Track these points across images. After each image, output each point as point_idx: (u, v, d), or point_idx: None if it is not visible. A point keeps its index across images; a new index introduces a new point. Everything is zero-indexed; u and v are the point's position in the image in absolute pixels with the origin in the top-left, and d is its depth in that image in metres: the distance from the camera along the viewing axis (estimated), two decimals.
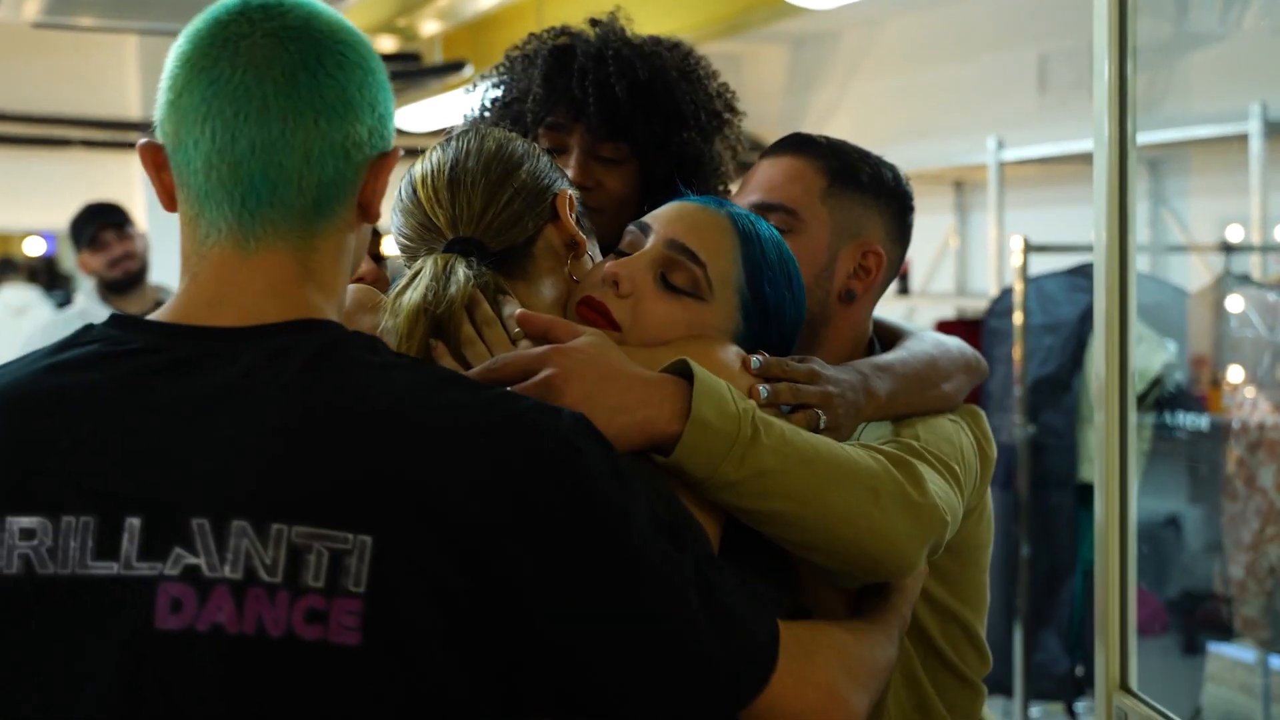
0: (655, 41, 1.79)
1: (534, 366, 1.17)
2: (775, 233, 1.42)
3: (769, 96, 7.79)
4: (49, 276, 7.65)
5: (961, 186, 6.48)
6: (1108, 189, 1.76)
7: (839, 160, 1.66)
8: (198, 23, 1.10)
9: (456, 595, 0.99)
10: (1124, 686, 1.75)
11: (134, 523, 1.00)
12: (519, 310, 1.24)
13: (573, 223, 1.35)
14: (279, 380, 1.04)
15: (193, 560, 0.99)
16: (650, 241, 1.35)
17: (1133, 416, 1.79)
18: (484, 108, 1.86)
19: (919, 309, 6.54)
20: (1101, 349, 1.77)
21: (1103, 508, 1.76)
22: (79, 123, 7.33)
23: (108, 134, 7.40)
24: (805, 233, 1.59)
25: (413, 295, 1.24)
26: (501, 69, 1.86)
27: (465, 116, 1.89)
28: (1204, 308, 3.90)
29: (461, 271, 1.25)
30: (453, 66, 5.29)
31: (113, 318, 1.15)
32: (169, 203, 1.13)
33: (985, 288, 5.73)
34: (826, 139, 1.71)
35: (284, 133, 1.07)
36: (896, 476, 1.30)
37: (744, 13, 4.98)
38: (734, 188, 1.76)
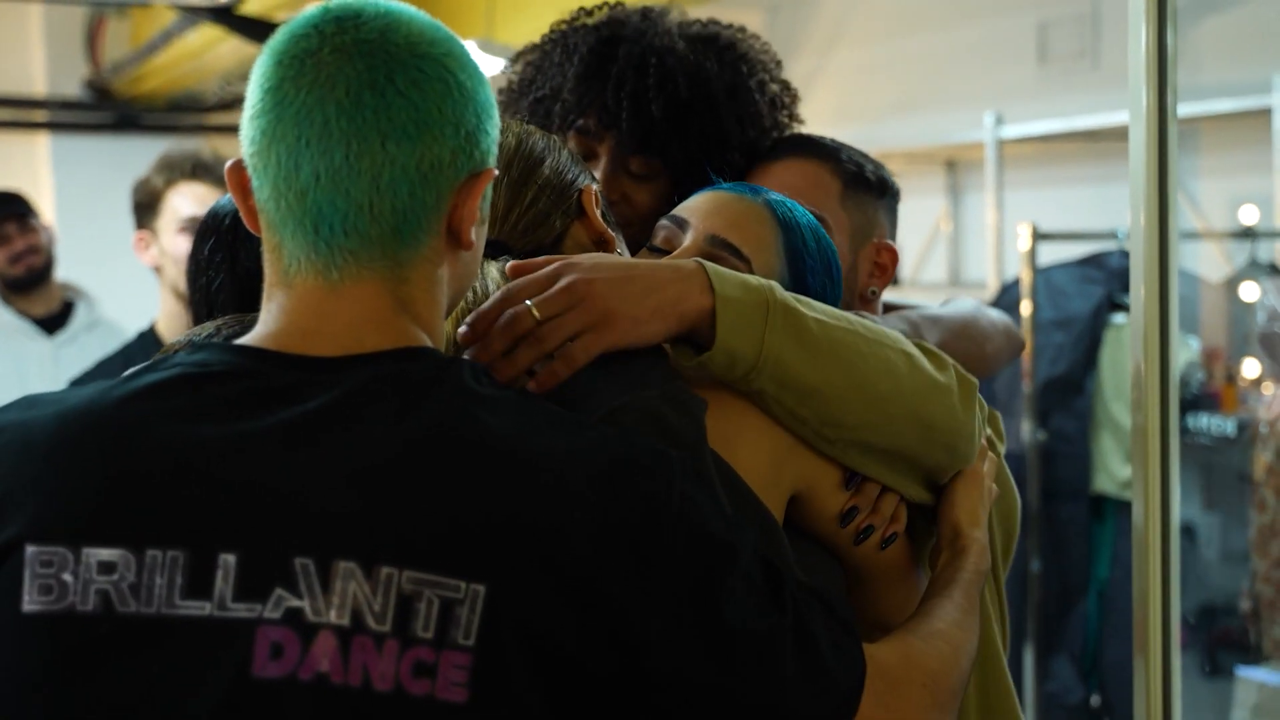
0: (708, 44, 1.75)
1: (539, 288, 1.17)
2: (812, 218, 1.43)
3: None
4: None
5: (954, 166, 6.46)
6: (1146, 167, 1.71)
7: (850, 163, 1.74)
8: (279, 34, 1.10)
9: (568, 651, 1.00)
10: None
11: (229, 559, 0.99)
12: (510, 264, 1.24)
13: (599, 218, 1.35)
14: (383, 410, 1.04)
15: (296, 603, 0.98)
16: (689, 238, 1.36)
17: (1174, 422, 1.74)
18: (515, 92, 1.82)
19: (909, 299, 6.50)
20: (1141, 347, 1.71)
21: (1142, 525, 1.70)
22: None
23: (9, 112, 7.32)
24: (830, 237, 1.62)
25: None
26: (538, 54, 1.82)
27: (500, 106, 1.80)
28: (1222, 299, 3.88)
29: (496, 272, 1.26)
30: None
31: (194, 343, 1.15)
32: (255, 226, 1.13)
33: (982, 277, 5.71)
34: (831, 140, 1.78)
35: (348, 158, 1.06)
36: (921, 355, 1.33)
37: None
38: None
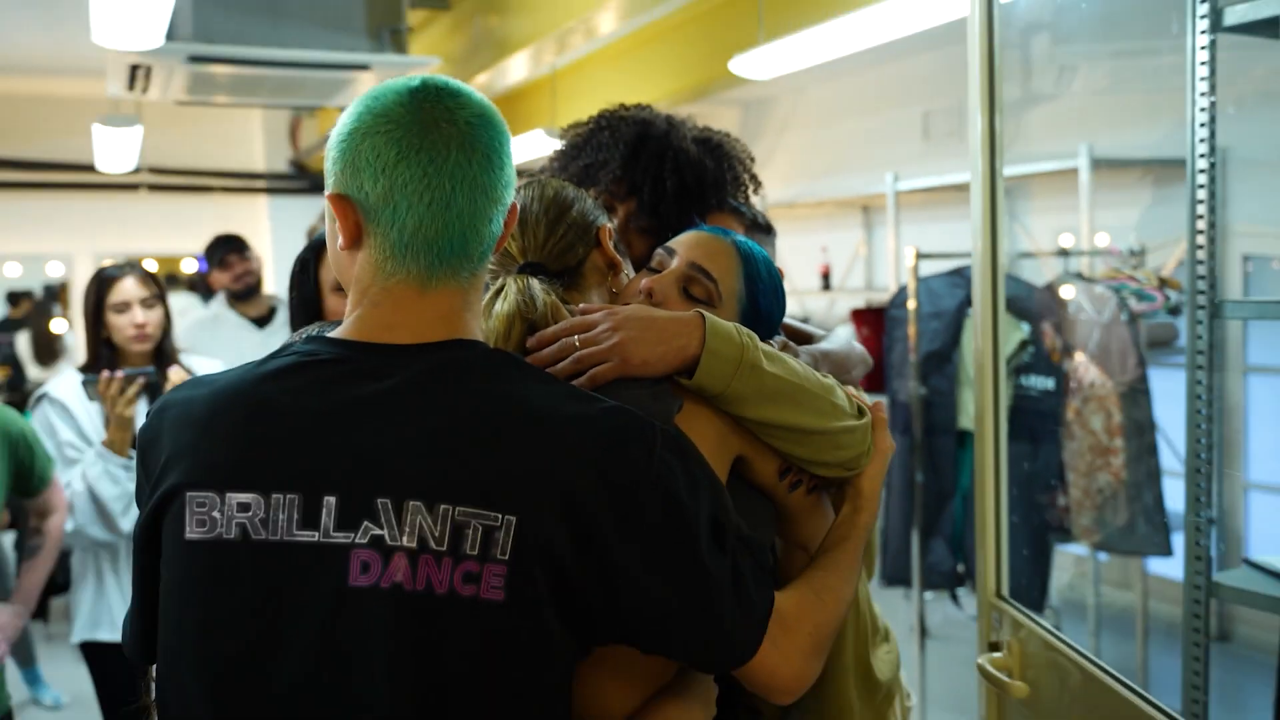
0: (709, 146, 1.71)
1: (591, 325, 1.15)
2: (765, 254, 1.40)
3: None
4: (202, 288, 7.60)
5: (868, 210, 6.43)
6: (983, 210, 1.70)
7: (748, 214, 1.74)
8: (392, 106, 1.02)
9: (570, 574, 0.95)
10: (999, 594, 1.70)
11: (331, 500, 0.96)
12: (581, 304, 1.22)
13: (612, 248, 1.33)
14: (443, 386, 0.99)
15: (378, 531, 0.94)
16: (675, 262, 1.33)
17: (1003, 380, 1.73)
18: (568, 155, 1.75)
19: (838, 300, 6.50)
20: (980, 329, 1.71)
21: (982, 459, 1.70)
22: (217, 174, 7.26)
23: (239, 182, 7.34)
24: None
25: (504, 306, 1.20)
26: (586, 131, 1.75)
27: (552, 165, 1.78)
28: (1047, 297, 3.84)
29: (538, 286, 1.22)
30: None
31: (308, 337, 1.10)
32: (351, 242, 1.04)
33: (886, 284, 5.69)
34: (738, 203, 1.74)
35: (485, 203, 1.03)
36: (842, 398, 1.29)
37: (704, 83, 4.94)
38: None
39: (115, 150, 5.21)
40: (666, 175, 1.67)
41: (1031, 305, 3.78)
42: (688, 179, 1.68)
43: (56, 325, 7.33)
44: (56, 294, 8.74)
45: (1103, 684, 1.41)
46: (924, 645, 3.88)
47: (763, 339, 1.35)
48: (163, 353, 2.77)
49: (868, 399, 1.33)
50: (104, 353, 2.72)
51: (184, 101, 4.26)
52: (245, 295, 4.05)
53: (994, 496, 1.72)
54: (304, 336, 1.09)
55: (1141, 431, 3.54)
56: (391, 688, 0.93)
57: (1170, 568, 4.06)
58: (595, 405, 1.01)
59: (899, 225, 5.47)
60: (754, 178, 1.79)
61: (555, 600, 0.95)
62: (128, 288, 2.72)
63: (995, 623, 1.70)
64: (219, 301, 4.12)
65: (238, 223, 6.56)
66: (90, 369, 2.69)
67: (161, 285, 2.81)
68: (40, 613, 4.76)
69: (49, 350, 7.15)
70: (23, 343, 7.30)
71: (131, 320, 2.70)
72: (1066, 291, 3.74)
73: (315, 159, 7.27)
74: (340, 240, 1.05)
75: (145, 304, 2.74)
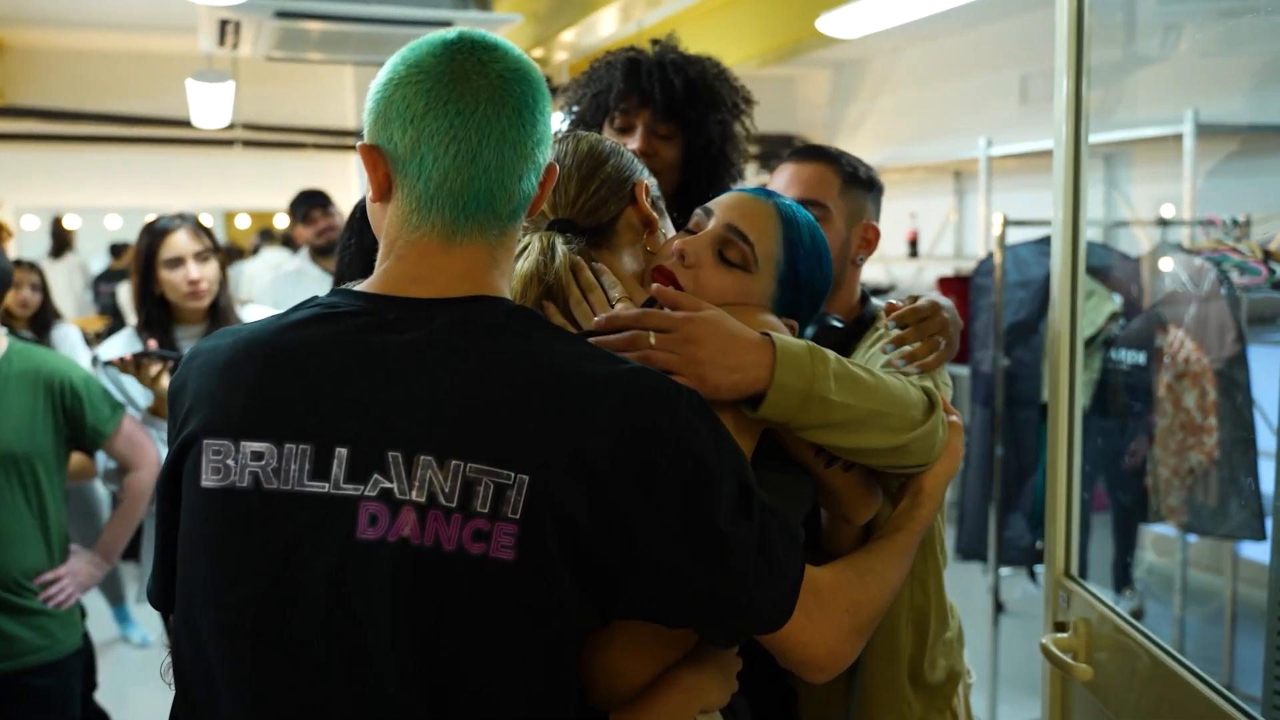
0: (696, 56, 1.85)
1: (668, 326, 1.09)
2: (811, 219, 1.33)
3: (816, 108, 7.60)
4: (294, 243, 7.78)
5: (959, 175, 6.28)
6: (1065, 178, 1.64)
7: (847, 164, 1.67)
8: (425, 56, 1.00)
9: (585, 534, 0.92)
10: (1068, 573, 1.65)
11: (342, 452, 0.94)
12: (655, 286, 1.16)
13: (647, 205, 1.26)
14: (461, 342, 0.97)
15: (387, 484, 0.92)
16: (711, 224, 1.27)
17: (1079, 353, 1.68)
18: (578, 96, 1.87)
19: (926, 268, 6.39)
20: (1059, 301, 1.65)
21: (1055, 434, 1.65)
22: (310, 130, 7.38)
23: (331, 139, 7.45)
24: (831, 220, 1.62)
25: (524, 265, 1.16)
26: (586, 74, 1.89)
27: (564, 105, 1.91)
28: (1144, 269, 3.71)
29: (560, 246, 1.18)
30: None
31: (333, 290, 1.07)
32: (381, 194, 1.03)
33: (976, 251, 5.57)
34: (834, 149, 1.71)
35: (514, 159, 1.00)
36: (919, 413, 1.24)
37: (796, 43, 4.84)
38: (752, 171, 1.77)
39: (209, 106, 5.32)
40: (671, 76, 1.77)
41: (1125, 276, 3.66)
42: (691, 74, 1.78)
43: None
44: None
45: (1171, 670, 1.37)
46: (998, 621, 3.82)
47: (805, 308, 1.31)
48: (218, 309, 2.65)
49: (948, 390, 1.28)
50: (155, 312, 2.60)
51: (275, 58, 4.33)
52: (327, 250, 4.11)
53: (1066, 472, 1.67)
54: (333, 290, 1.09)
55: (1238, 410, 3.41)
56: (396, 641, 0.91)
57: (1263, 552, 3.92)
58: (618, 365, 0.98)
59: (991, 192, 5.33)
60: (746, 99, 1.88)
61: (569, 562, 0.93)
62: (180, 241, 2.59)
63: (1063, 602, 1.66)
64: (303, 256, 4.20)
65: (329, 179, 6.67)
66: (144, 329, 2.61)
67: (215, 239, 2.68)
68: (132, 553, 4.94)
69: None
70: (124, 293, 7.54)
71: (185, 276, 2.57)
72: (1164, 263, 3.61)
73: None
74: (371, 192, 1.04)
75: (199, 258, 2.60)
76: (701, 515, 0.96)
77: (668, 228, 1.33)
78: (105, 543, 2.52)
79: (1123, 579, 3.57)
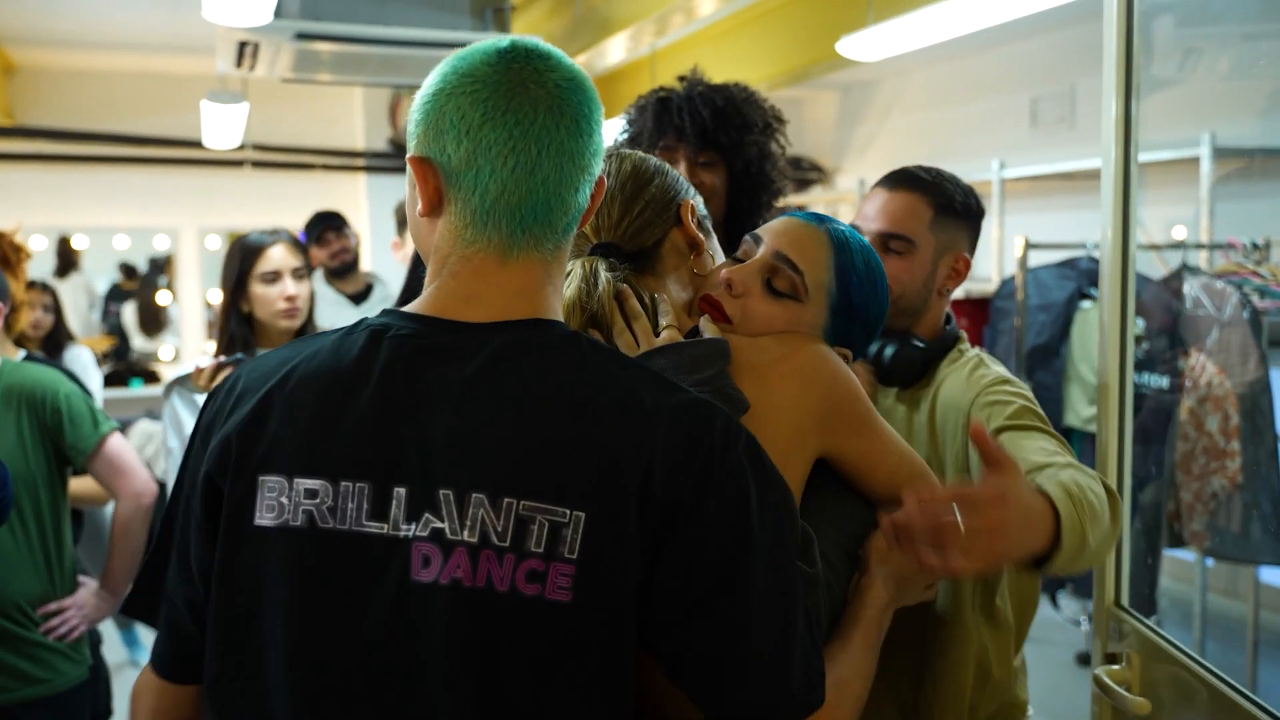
0: (722, 84, 1.91)
1: (980, 504, 0.97)
2: (866, 244, 1.27)
3: (824, 130, 7.60)
4: (310, 265, 7.79)
5: None
6: (1114, 199, 1.61)
7: (941, 194, 1.61)
8: (479, 66, 0.96)
9: (638, 564, 0.89)
10: (1119, 604, 1.61)
11: (400, 491, 0.90)
12: (977, 428, 1.00)
13: (693, 226, 1.22)
14: (515, 371, 0.93)
15: (439, 524, 0.89)
16: (760, 251, 1.23)
17: (1129, 380, 1.64)
18: (617, 144, 1.91)
19: None
20: (1108, 326, 1.62)
21: (1106, 462, 1.61)
22: (319, 151, 7.37)
23: (339, 160, 7.44)
24: (916, 254, 1.59)
25: (567, 292, 1.13)
26: (625, 117, 1.96)
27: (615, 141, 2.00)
28: (1162, 291, 3.69)
29: (604, 273, 1.14)
30: None
31: (384, 310, 1.02)
32: (432, 208, 0.99)
33: (988, 273, 5.54)
34: (930, 173, 1.64)
35: (572, 171, 0.96)
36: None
37: (805, 66, 4.84)
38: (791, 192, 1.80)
39: (222, 127, 5.31)
40: (700, 107, 1.82)
41: (1146, 300, 3.63)
42: (719, 102, 1.84)
43: (162, 297, 7.53)
44: (163, 266, 8.99)
45: (1236, 704, 1.32)
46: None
47: (859, 335, 1.26)
48: (305, 334, 2.37)
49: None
50: (239, 332, 2.41)
51: (289, 79, 4.31)
52: (341, 272, 4.09)
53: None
54: (384, 311, 1.04)
55: (1261, 434, 3.37)
56: (453, 685, 0.88)
57: None
58: (675, 396, 0.94)
59: (1003, 214, 5.31)
60: (777, 117, 1.94)
61: (627, 602, 0.89)
62: (278, 256, 2.43)
63: (1113, 633, 1.62)
64: (316, 278, 4.17)
65: (337, 200, 6.65)
66: (225, 352, 2.42)
67: (309, 259, 2.54)
68: None
69: (154, 321, 7.35)
70: (129, 313, 7.52)
71: (282, 292, 2.40)
72: (1186, 286, 3.58)
73: None
74: (420, 206, 0.99)
75: (296, 275, 2.44)
76: (739, 567, 0.90)
77: (715, 249, 1.29)
78: (109, 576, 2.38)
79: (1147, 605, 3.52)
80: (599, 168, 1.01)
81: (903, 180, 1.62)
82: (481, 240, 0.96)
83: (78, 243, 7.95)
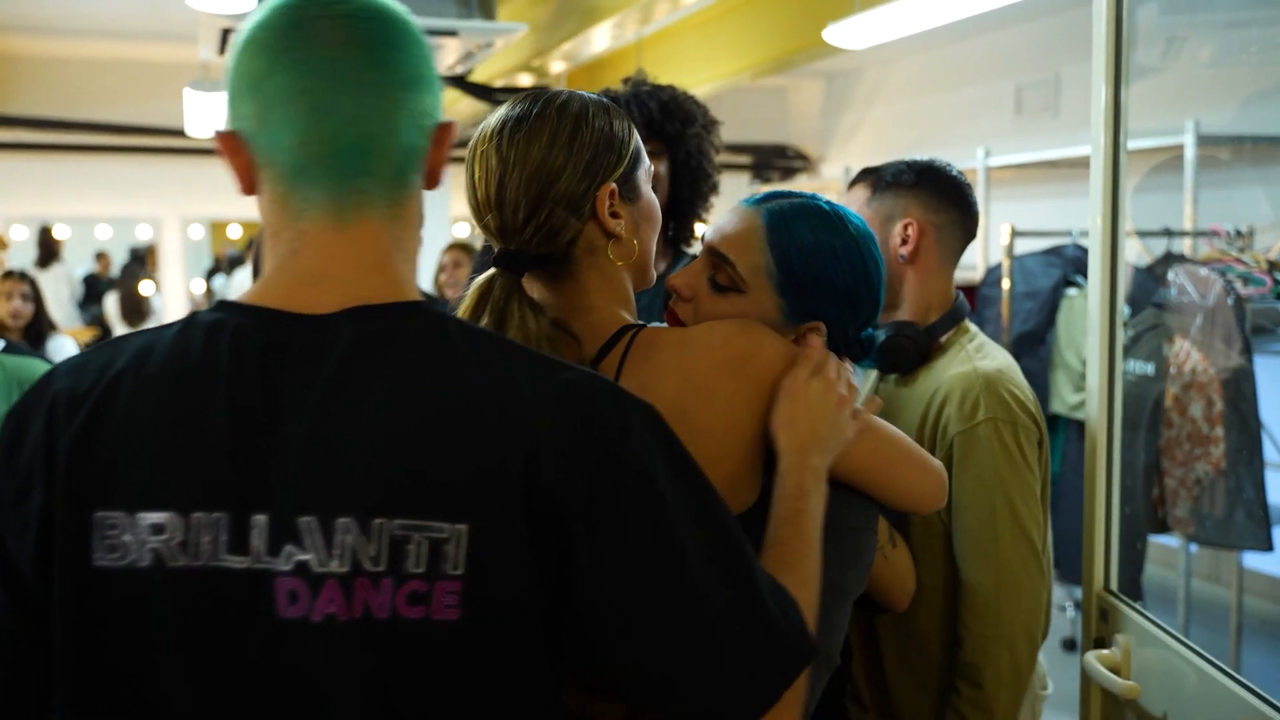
0: (665, 85, 2.02)
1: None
2: (825, 212, 1.20)
3: (808, 118, 7.59)
4: None
5: None
6: (1104, 186, 1.61)
7: (874, 175, 1.69)
8: (264, 14, 0.86)
9: (538, 567, 0.80)
10: (1108, 589, 1.62)
11: (260, 519, 0.80)
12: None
13: (608, 218, 1.10)
14: (378, 370, 0.82)
15: (303, 556, 0.79)
16: (701, 253, 1.22)
17: (1119, 367, 1.64)
18: None
19: None
20: (1098, 314, 1.62)
21: (1094, 448, 1.62)
22: None
23: None
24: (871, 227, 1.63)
25: (460, 313, 1.09)
26: None
27: None
28: (1145, 279, 3.70)
29: (497, 291, 1.07)
30: None
31: (220, 302, 0.88)
32: (247, 185, 0.88)
33: (973, 261, 5.54)
34: (885, 164, 1.72)
35: (374, 104, 0.85)
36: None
37: (791, 53, 4.83)
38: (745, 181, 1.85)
39: (205, 115, 5.26)
40: (646, 101, 1.94)
41: (1131, 287, 3.64)
42: (663, 97, 1.96)
43: (145, 287, 7.47)
44: (144, 256, 8.92)
45: (1225, 688, 1.33)
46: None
47: (830, 306, 1.19)
48: None
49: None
50: None
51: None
52: None
53: (1105, 486, 1.64)
54: (220, 303, 0.90)
55: (1244, 420, 3.39)
56: None
57: (1267, 563, 3.91)
58: (558, 375, 0.84)
59: (988, 202, 5.32)
60: (712, 119, 2.04)
61: (532, 612, 0.80)
62: None
63: (1102, 618, 1.62)
64: None
65: None
66: None
67: None
68: None
69: (137, 311, 7.30)
70: (111, 303, 7.46)
71: None
72: (1170, 274, 3.60)
73: None
74: (240, 186, 0.89)
75: None
76: (648, 551, 0.81)
77: (646, 231, 1.17)
78: None
79: (1133, 590, 3.54)
80: (430, 105, 0.89)
81: (856, 177, 1.74)
82: (308, 207, 0.85)
83: (59, 232, 7.89)
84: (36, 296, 4.01)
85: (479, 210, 1.12)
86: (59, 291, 7.67)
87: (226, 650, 0.80)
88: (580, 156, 1.08)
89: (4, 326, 3.88)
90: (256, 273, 2.26)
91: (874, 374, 1.73)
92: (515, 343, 0.91)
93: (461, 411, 0.81)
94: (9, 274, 3.95)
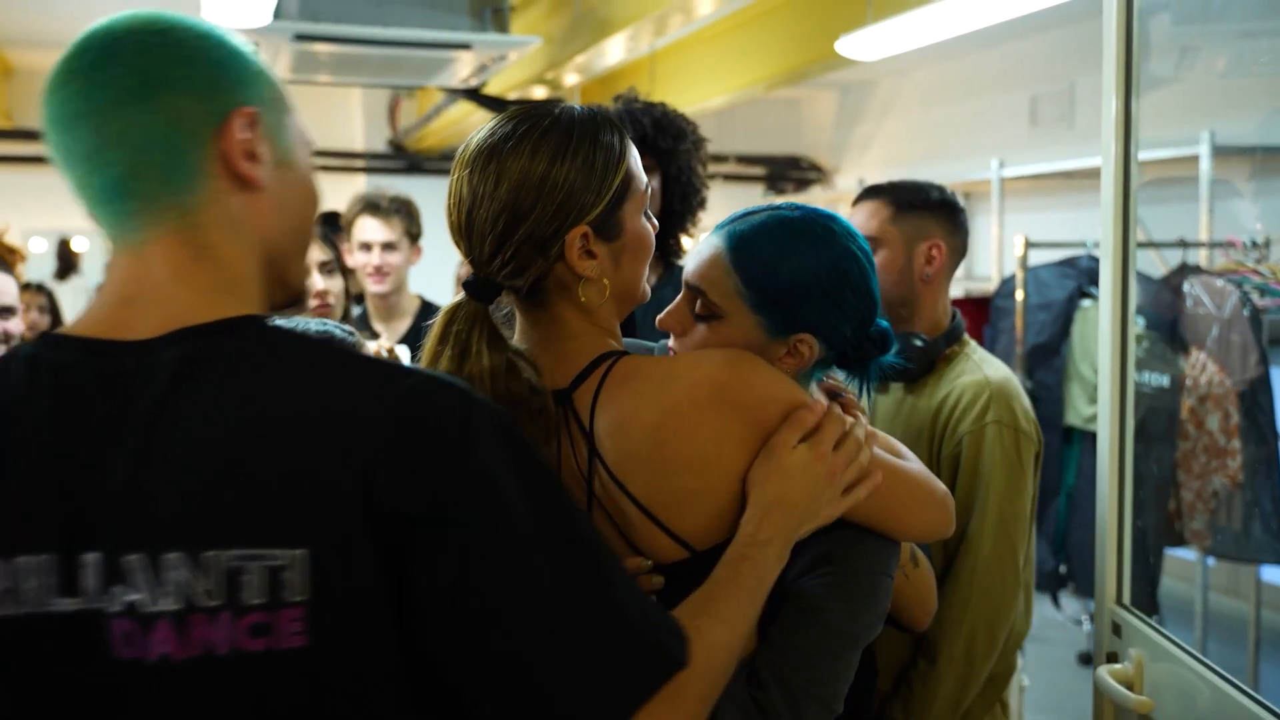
0: (656, 103, 2.10)
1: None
2: (783, 220, 1.16)
3: (823, 130, 7.59)
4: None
5: (970, 197, 6.26)
6: (1114, 197, 1.60)
7: (897, 193, 1.81)
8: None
9: (379, 586, 0.77)
10: (1120, 602, 1.61)
11: (89, 558, 0.77)
12: None
13: (578, 261, 1.06)
14: (202, 394, 0.79)
15: (132, 596, 0.76)
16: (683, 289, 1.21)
17: (1130, 379, 1.63)
18: None
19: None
20: (1109, 325, 1.61)
21: (1106, 460, 1.61)
22: (319, 153, 7.34)
23: (338, 160, 7.44)
24: (885, 248, 1.78)
25: (428, 341, 1.08)
26: None
27: None
28: (1162, 290, 3.68)
29: (457, 325, 1.06)
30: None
31: (43, 335, 0.87)
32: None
33: (988, 273, 5.54)
34: (892, 183, 1.86)
35: (98, 132, 0.82)
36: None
37: (804, 65, 4.83)
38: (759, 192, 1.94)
39: None
40: (640, 117, 2.00)
41: (1146, 298, 3.62)
42: (655, 114, 2.03)
43: None
44: None
45: (1240, 705, 1.32)
46: (1022, 646, 3.76)
47: (815, 315, 1.14)
48: None
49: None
50: None
51: (288, 80, 4.31)
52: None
53: (1117, 499, 1.63)
54: (41, 336, 0.89)
55: (1261, 433, 3.37)
56: None
57: None
58: (396, 385, 0.80)
59: (1002, 213, 5.31)
60: (700, 137, 2.11)
61: (380, 631, 0.77)
62: None
63: (1115, 632, 1.61)
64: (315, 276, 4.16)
65: (337, 200, 6.62)
66: None
67: (341, 253, 2.32)
68: None
69: None
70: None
71: (310, 288, 2.22)
72: (1186, 285, 3.58)
73: (413, 139, 7.34)
74: None
75: (324, 269, 2.25)
76: (492, 557, 0.78)
77: (630, 271, 1.14)
78: None
79: (1149, 604, 3.52)
80: (187, 104, 0.84)
81: (864, 194, 1.86)
82: (112, 239, 0.85)
83: (78, 245, 7.94)
84: (54, 308, 4.04)
85: (452, 233, 1.10)
86: (77, 303, 7.72)
87: (64, 696, 0.77)
88: (551, 199, 1.04)
89: (22, 339, 3.92)
90: None
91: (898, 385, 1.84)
92: (354, 352, 0.86)
93: (291, 430, 0.78)
94: (26, 286, 3.98)
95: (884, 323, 1.19)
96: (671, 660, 0.84)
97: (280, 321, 0.87)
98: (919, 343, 1.74)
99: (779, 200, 2.05)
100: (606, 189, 1.07)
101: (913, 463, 1.20)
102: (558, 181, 1.04)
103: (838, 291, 1.13)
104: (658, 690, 0.82)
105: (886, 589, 1.12)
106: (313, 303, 2.23)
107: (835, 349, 1.16)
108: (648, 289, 1.17)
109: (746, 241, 1.15)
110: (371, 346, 2.08)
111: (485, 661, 0.78)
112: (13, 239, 2.74)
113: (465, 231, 1.07)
